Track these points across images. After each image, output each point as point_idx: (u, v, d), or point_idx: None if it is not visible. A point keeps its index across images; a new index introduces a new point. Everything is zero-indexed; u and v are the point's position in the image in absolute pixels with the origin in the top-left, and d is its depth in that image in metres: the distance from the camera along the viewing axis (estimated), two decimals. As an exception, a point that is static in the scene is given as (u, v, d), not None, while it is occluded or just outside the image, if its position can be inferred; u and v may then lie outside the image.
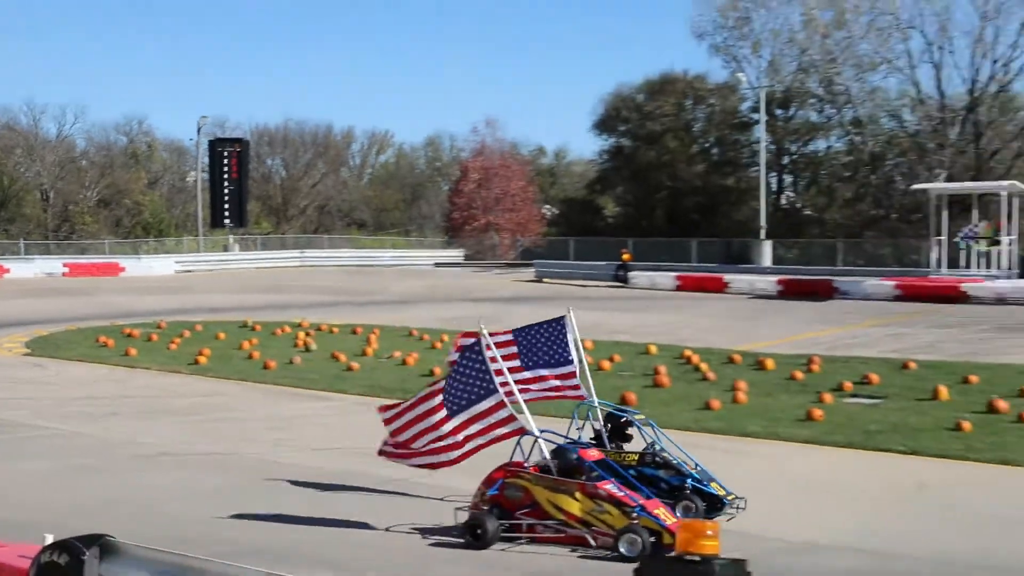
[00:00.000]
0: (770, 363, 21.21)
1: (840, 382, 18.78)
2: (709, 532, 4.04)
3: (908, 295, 35.69)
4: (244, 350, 24.35)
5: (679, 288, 41.73)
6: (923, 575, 8.85)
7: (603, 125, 65.49)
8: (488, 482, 9.88)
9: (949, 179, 49.67)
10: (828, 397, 17.38)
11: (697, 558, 3.98)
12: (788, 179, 63.82)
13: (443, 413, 9.81)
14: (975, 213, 40.53)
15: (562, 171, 78.70)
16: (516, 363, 10.52)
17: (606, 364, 21.47)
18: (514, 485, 9.70)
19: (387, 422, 10.22)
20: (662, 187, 61.66)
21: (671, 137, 61.75)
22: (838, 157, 60.84)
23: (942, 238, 39.38)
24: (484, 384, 9.71)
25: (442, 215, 69.65)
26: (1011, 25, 52.11)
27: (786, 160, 62.25)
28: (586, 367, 11.45)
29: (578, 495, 9.40)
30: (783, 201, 62.41)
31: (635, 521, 9.08)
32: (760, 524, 10.09)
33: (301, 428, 16.16)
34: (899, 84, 57.21)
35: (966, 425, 14.77)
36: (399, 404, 10.31)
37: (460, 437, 9.79)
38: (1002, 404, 16.03)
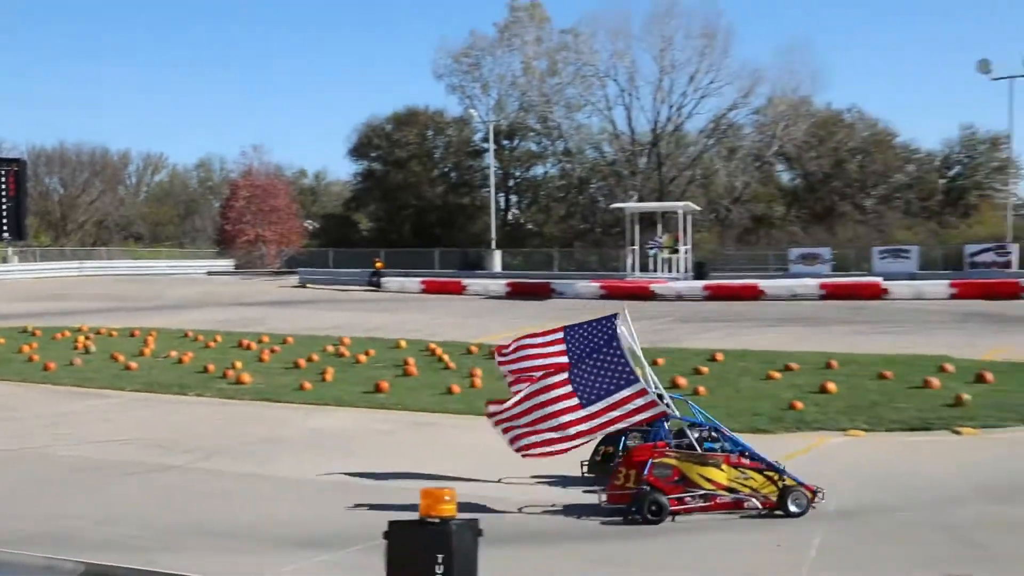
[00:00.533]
0: (500, 352, 21.65)
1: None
2: (447, 498, 4.09)
3: (610, 294, 36.93)
4: (24, 353, 22.56)
5: (424, 291, 41.82)
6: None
7: (357, 151, 65.00)
8: (633, 464, 9.51)
9: (639, 200, 52.20)
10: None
11: (437, 520, 4.03)
12: (514, 198, 65.29)
13: (575, 401, 9.41)
14: (659, 227, 42.86)
15: (322, 190, 77.41)
16: (564, 359, 10.08)
17: (362, 357, 21.30)
18: (662, 464, 9.41)
19: (499, 422, 9.84)
20: (409, 205, 61.80)
21: (416, 162, 61.97)
22: (553, 181, 62.82)
23: (635, 247, 41.35)
24: (624, 374, 9.46)
25: (214, 228, 66.97)
26: (682, 78, 55.60)
27: (511, 183, 63.73)
28: (642, 357, 10.59)
29: (724, 466, 9.41)
30: (510, 217, 63.78)
31: (786, 481, 9.35)
32: (492, 481, 10.30)
33: (82, 424, 15.14)
34: (600, 122, 59.84)
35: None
36: (507, 404, 9.83)
37: (597, 422, 9.43)
38: (681, 380, 17.04)
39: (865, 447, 12.38)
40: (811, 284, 35.19)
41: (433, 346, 22.82)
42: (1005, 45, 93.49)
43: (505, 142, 61.49)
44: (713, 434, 9.85)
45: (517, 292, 39.18)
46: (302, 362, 20.56)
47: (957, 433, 12.92)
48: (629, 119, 57.60)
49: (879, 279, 35.04)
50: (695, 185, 56.85)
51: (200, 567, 7.58)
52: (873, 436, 13.00)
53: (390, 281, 43.84)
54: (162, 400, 17.08)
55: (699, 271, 40.43)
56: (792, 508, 9.28)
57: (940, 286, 33.11)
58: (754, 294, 34.97)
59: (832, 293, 34.01)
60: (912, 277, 36.66)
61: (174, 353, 22.32)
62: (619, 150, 58.37)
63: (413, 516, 4.57)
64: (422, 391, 17.23)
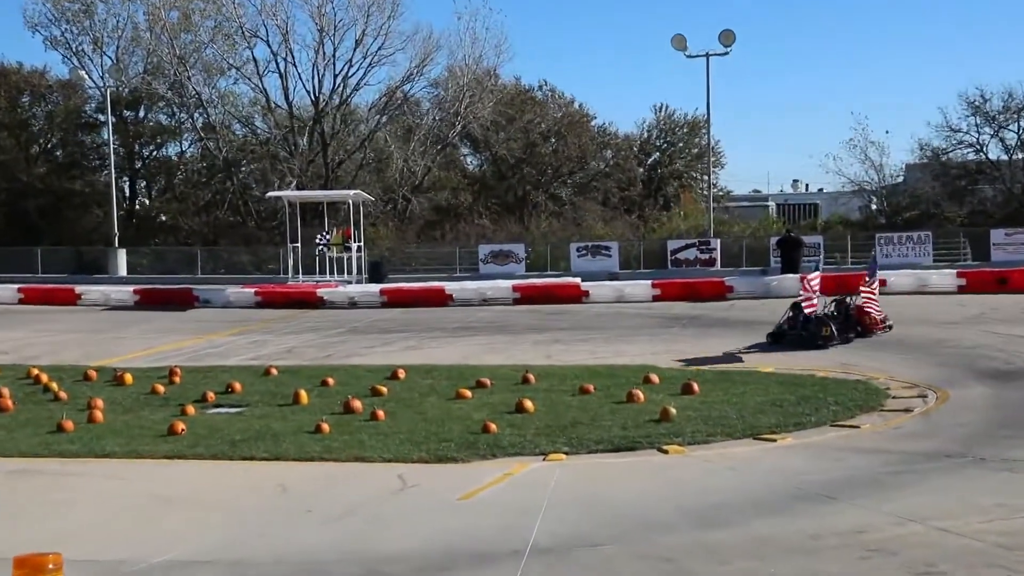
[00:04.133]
0: (129, 378, 20.68)
1: (203, 392, 18.80)
2: (51, 566, 3.78)
3: (268, 301, 36.61)
4: None
5: (23, 301, 39.24)
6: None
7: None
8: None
9: (300, 187, 51.88)
10: (191, 409, 17.33)
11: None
12: (141, 184, 62.60)
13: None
14: (326, 220, 42.81)
15: None
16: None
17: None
18: None
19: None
20: (-1, 190, 57.57)
21: (6, 135, 57.77)
22: (192, 162, 60.97)
23: (297, 245, 41.01)
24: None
25: None
26: (347, 42, 55.77)
27: (138, 164, 61.04)
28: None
29: None
30: (137, 207, 61.18)
31: None
32: (120, 548, 9.83)
33: None
34: (250, 91, 58.74)
35: (325, 427, 15.50)
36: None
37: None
38: (357, 404, 17.08)
39: (567, 472, 12.94)
40: (504, 286, 36.53)
41: (36, 371, 21.44)
42: (701, 20, 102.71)
43: (128, 113, 58.89)
44: None
45: (149, 301, 37.82)
46: None
47: (663, 452, 13.87)
48: (285, 89, 57.15)
49: (578, 280, 37.01)
50: (367, 170, 57.39)
51: None
52: (575, 459, 13.63)
53: (-29, 289, 40.81)
54: None
55: (375, 273, 40.82)
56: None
57: (642, 287, 35.39)
58: (440, 299, 35.79)
59: (527, 296, 35.50)
60: (613, 277, 39.09)
61: None
62: (274, 126, 57.69)
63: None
64: (21, 430, 16.10)
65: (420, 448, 14.22)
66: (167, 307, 36.50)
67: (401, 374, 20.38)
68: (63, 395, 19.13)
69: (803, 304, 22.60)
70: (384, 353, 24.44)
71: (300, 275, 40.53)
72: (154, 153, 61.56)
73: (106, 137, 54.49)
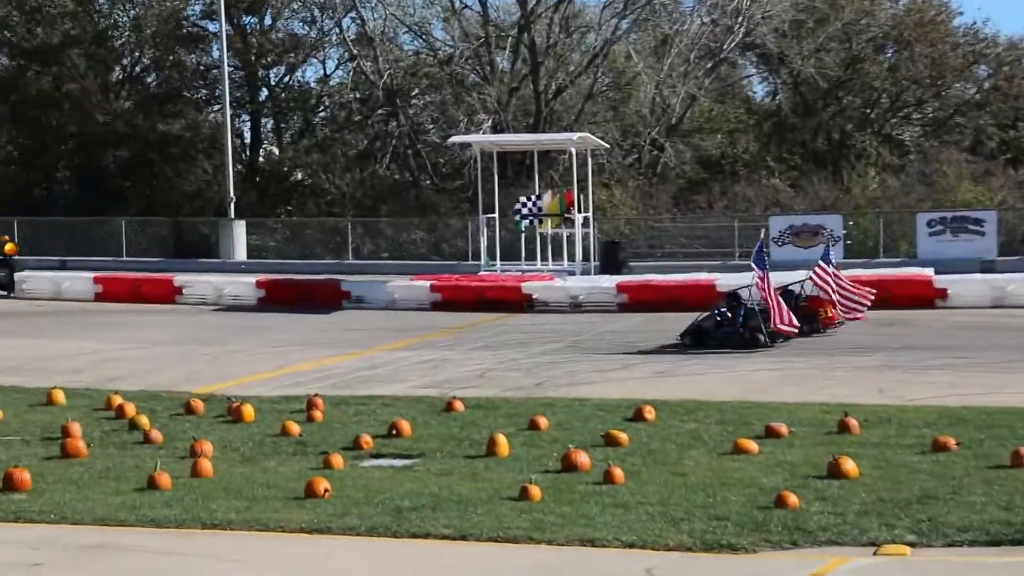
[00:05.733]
0: (249, 411, 21.15)
1: (357, 436, 19.12)
2: None
3: (451, 301, 37.20)
4: None
5: (100, 297, 41.10)
6: None
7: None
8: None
9: (498, 129, 52.25)
10: (339, 460, 17.60)
11: None
12: (267, 125, 64.08)
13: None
14: (537, 180, 42.88)
15: None
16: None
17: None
18: None
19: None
20: (66, 134, 59.85)
21: (79, 54, 59.83)
22: (340, 92, 61.92)
23: (494, 216, 41.18)
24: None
25: None
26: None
27: (264, 96, 62.54)
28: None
29: None
30: (261, 159, 62.67)
31: None
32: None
33: None
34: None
35: (535, 491, 15.47)
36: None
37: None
38: (583, 458, 17.02)
39: (913, 575, 12.64)
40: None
41: (119, 400, 22.20)
42: None
43: (249, 20, 60.49)
44: None
45: (279, 298, 39.12)
46: None
47: (1073, 548, 13.34)
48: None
49: (928, 272, 36.25)
50: (599, 104, 57.52)
51: None
52: (926, 555, 13.25)
53: (33, 277, 43.12)
54: None
55: (610, 259, 40.95)
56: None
57: (1037, 283, 34.56)
58: (708, 299, 35.17)
59: (847, 297, 35.05)
60: (987, 267, 38.04)
61: None
62: (461, 38, 58.31)
63: None
64: (98, 486, 16.65)
65: (679, 528, 14.06)
66: (304, 307, 37.36)
67: (649, 414, 20.26)
68: (156, 435, 19.69)
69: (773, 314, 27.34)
70: (623, 381, 24.44)
71: (498, 262, 40.78)
72: (286, 80, 62.92)
73: (217, 56, 55.96)
